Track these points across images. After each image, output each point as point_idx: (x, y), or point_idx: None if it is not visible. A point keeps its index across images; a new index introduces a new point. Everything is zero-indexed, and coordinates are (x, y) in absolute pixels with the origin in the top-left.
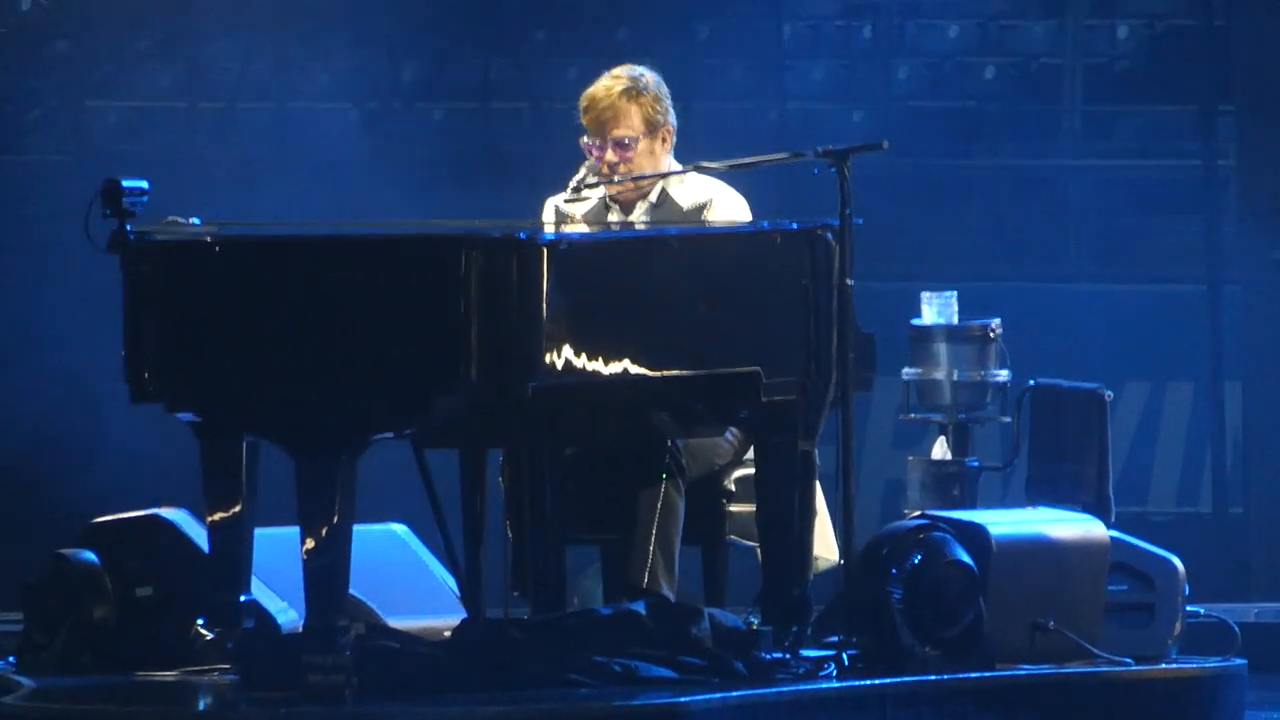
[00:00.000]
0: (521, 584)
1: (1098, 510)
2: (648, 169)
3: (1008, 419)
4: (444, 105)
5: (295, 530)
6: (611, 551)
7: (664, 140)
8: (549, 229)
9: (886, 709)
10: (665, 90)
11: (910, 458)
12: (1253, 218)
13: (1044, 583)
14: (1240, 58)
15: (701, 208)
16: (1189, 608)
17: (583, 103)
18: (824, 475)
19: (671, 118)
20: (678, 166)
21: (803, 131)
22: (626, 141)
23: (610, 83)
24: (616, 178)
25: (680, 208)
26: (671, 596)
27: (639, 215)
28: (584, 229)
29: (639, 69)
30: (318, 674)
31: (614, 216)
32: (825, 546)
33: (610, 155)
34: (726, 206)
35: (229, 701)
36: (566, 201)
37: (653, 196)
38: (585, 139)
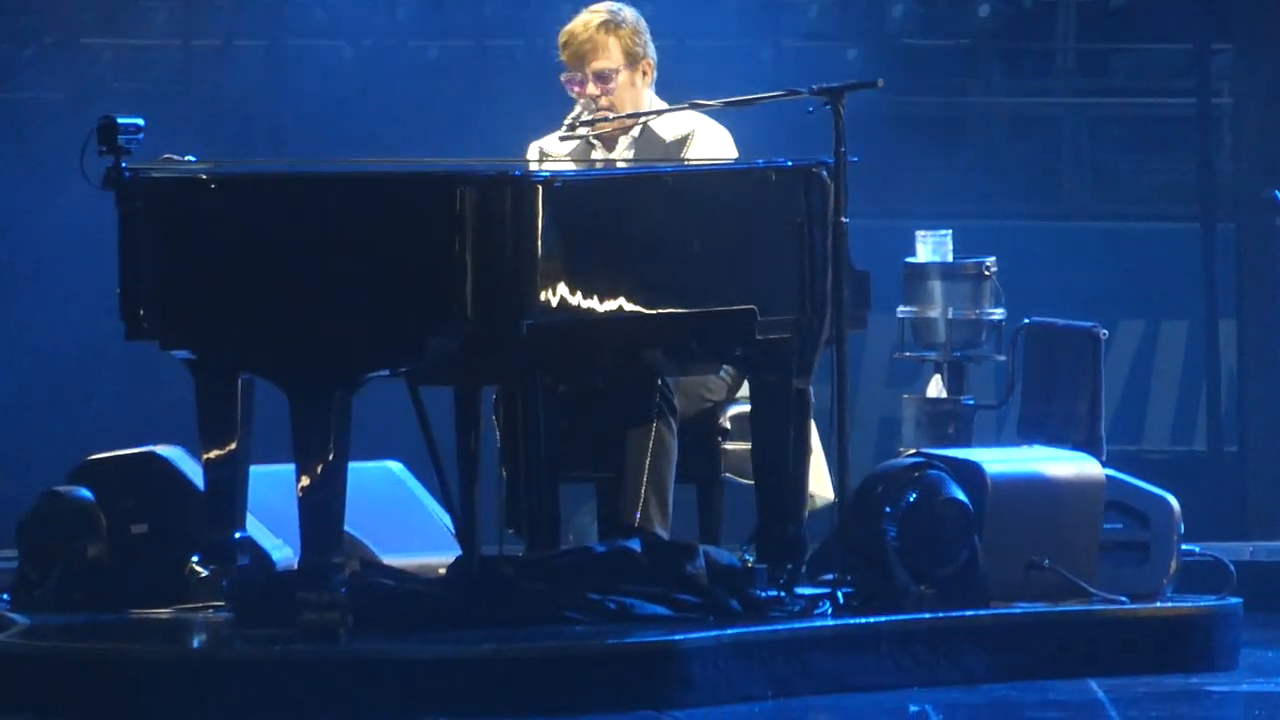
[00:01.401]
0: (515, 522)
1: (1089, 448)
2: (628, 101)
3: (1002, 357)
4: (438, 43)
5: (290, 468)
6: (606, 489)
7: (644, 73)
8: (547, 166)
9: (881, 647)
10: (644, 25)
11: (905, 396)
12: (1247, 156)
13: (1039, 521)
14: None
15: (683, 140)
16: (1184, 546)
17: (561, 39)
18: (819, 413)
19: (651, 51)
20: (659, 101)
21: (797, 70)
22: (606, 73)
23: (588, 17)
24: (597, 112)
25: (662, 140)
26: (665, 535)
27: (621, 151)
28: (577, 167)
29: (616, 4)
30: (312, 611)
31: (598, 154)
32: (820, 485)
33: (591, 88)
34: (708, 138)
35: (223, 638)
36: (561, 139)
37: (634, 131)
38: (565, 75)
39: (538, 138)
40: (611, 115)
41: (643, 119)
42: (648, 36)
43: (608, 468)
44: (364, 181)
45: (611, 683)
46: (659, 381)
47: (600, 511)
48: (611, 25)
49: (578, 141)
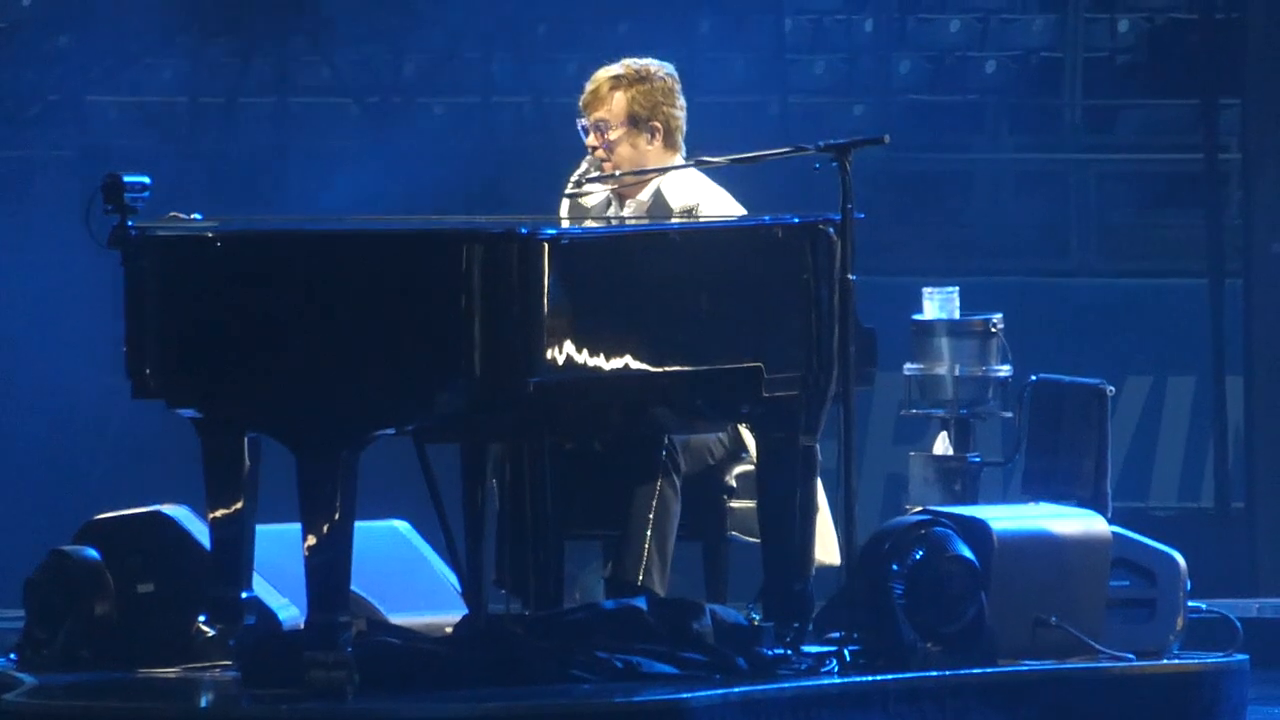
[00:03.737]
0: (507, 579)
1: (1095, 505)
2: (626, 159)
3: (1009, 414)
4: (445, 100)
5: (297, 527)
6: (612, 547)
7: (653, 136)
8: (562, 224)
9: (889, 705)
10: (669, 86)
11: (912, 453)
12: (1254, 211)
13: (1046, 578)
14: (1249, 50)
15: (688, 211)
16: (1191, 603)
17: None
18: (825, 471)
19: (665, 114)
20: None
21: (804, 126)
22: (601, 125)
23: (612, 68)
24: (600, 164)
25: (671, 209)
26: (662, 594)
27: (630, 212)
28: (585, 224)
29: (654, 64)
30: (319, 670)
31: (614, 210)
32: (826, 550)
33: (591, 138)
34: (714, 210)
35: (230, 698)
36: (567, 196)
37: (645, 195)
38: (579, 120)
39: (558, 190)
40: (618, 173)
41: (648, 177)
42: (666, 98)
43: (614, 526)
44: (370, 239)
45: None
46: (665, 440)
47: (606, 569)
48: (624, 81)
49: (601, 197)
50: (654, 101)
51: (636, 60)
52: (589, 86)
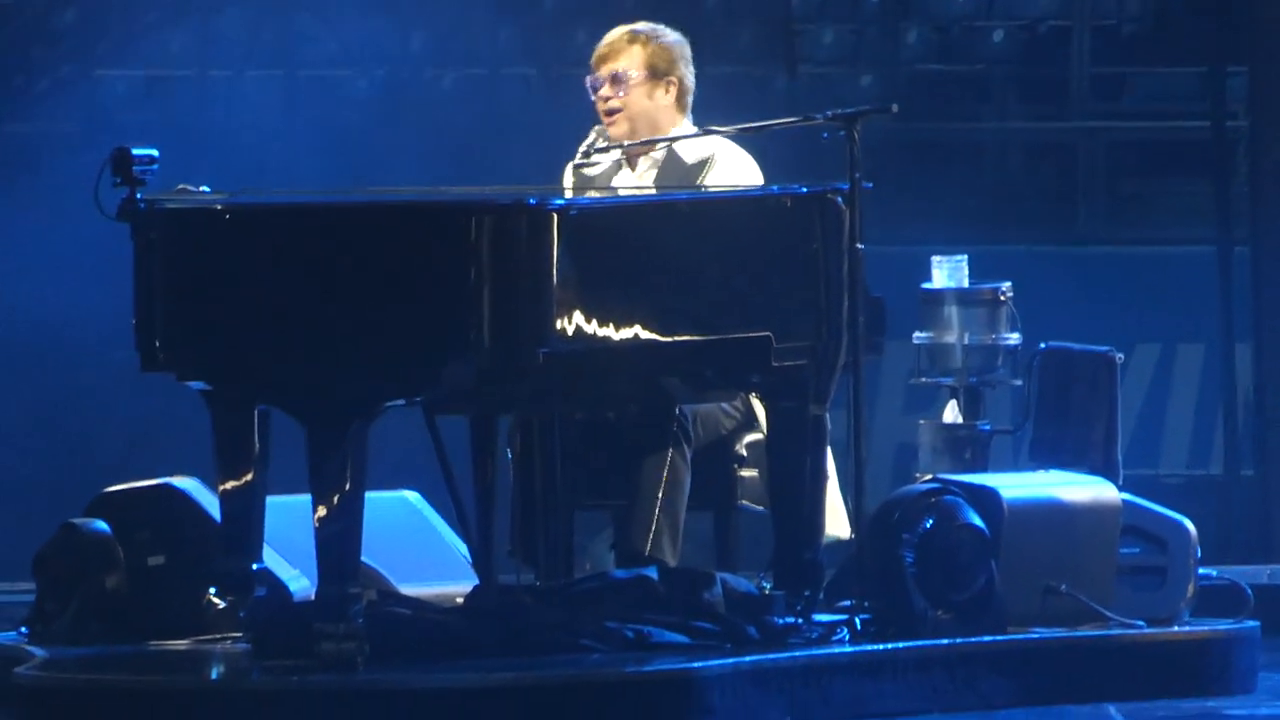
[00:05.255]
0: (521, 549)
1: (1105, 473)
2: (643, 111)
3: (1019, 382)
4: (452, 72)
5: (307, 498)
6: (623, 518)
7: (668, 90)
8: (568, 194)
9: (899, 673)
10: (683, 51)
11: (921, 421)
12: (1262, 178)
13: (1056, 546)
14: (1257, 17)
15: (704, 163)
16: (1201, 570)
17: (595, 49)
18: (835, 440)
19: (681, 71)
20: (691, 127)
21: (812, 96)
22: (621, 75)
23: (626, 27)
24: (608, 119)
25: (684, 163)
26: (673, 564)
27: (643, 171)
28: (594, 194)
29: (664, 28)
30: (330, 642)
31: (624, 177)
32: (835, 524)
33: (605, 89)
34: (729, 162)
35: (241, 670)
36: (575, 167)
37: (658, 152)
38: (588, 78)
39: (564, 162)
40: (626, 143)
41: (658, 144)
42: (681, 60)
43: (624, 496)
44: (379, 211)
45: (630, 711)
46: (676, 410)
47: (617, 540)
48: (641, 36)
49: (608, 164)
50: (671, 58)
51: (647, 23)
52: (605, 41)
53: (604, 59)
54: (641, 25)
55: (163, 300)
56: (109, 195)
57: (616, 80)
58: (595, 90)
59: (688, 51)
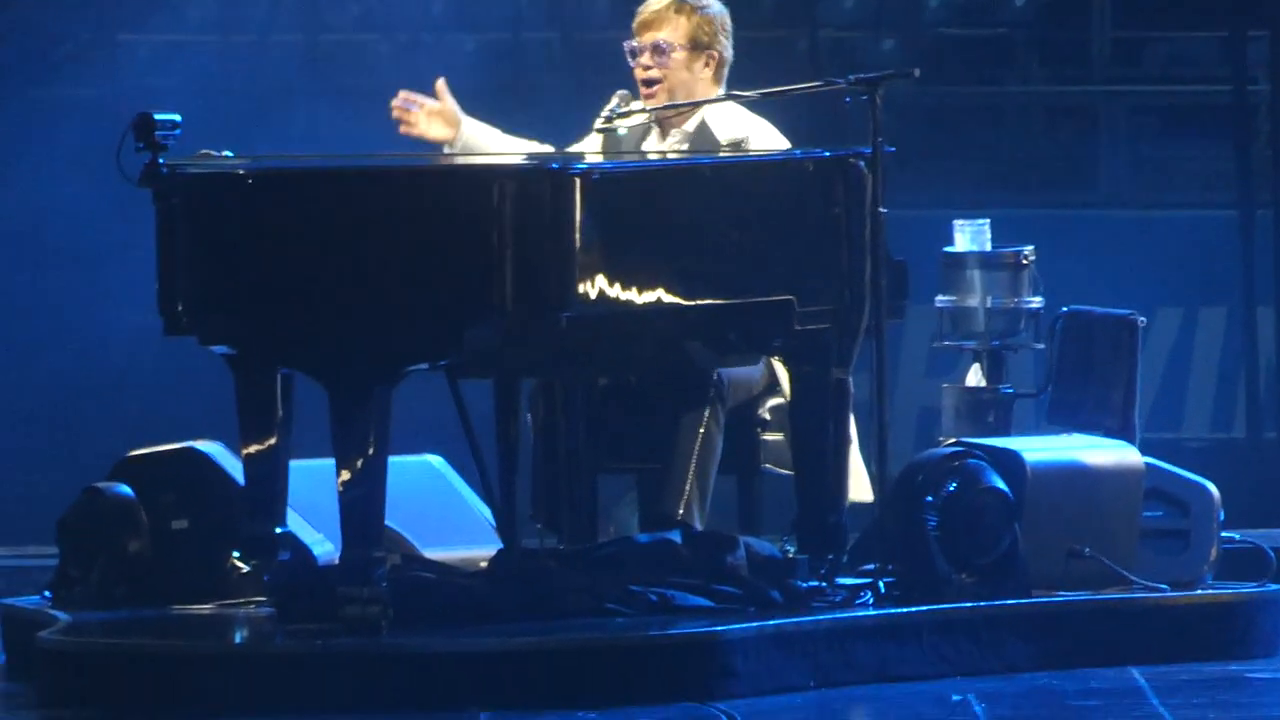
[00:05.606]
0: (544, 513)
1: (1123, 435)
2: (682, 83)
3: (1041, 346)
4: (475, 36)
5: (331, 462)
6: (647, 480)
7: (707, 64)
8: (591, 158)
9: (923, 637)
10: (725, 23)
11: (944, 385)
12: None
13: (1079, 509)
14: None
15: (737, 144)
16: (1224, 533)
17: (637, 13)
18: (857, 404)
19: (721, 46)
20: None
21: (834, 60)
22: (663, 45)
23: None
24: (647, 90)
25: (717, 140)
26: (700, 528)
27: (674, 142)
28: (616, 158)
29: None
30: (354, 606)
31: (651, 144)
32: (858, 486)
33: (645, 58)
34: (763, 145)
35: (265, 634)
36: (598, 131)
37: (690, 126)
38: (627, 44)
39: (583, 128)
40: (648, 107)
41: (683, 110)
42: (723, 32)
43: (650, 459)
44: (402, 175)
45: (653, 674)
46: (714, 374)
47: (641, 503)
48: (686, 6)
49: (639, 126)
50: (714, 30)
51: None
52: (649, 6)
53: (646, 25)
54: None
55: (186, 265)
56: (132, 160)
57: (658, 50)
58: (635, 56)
59: (729, 23)
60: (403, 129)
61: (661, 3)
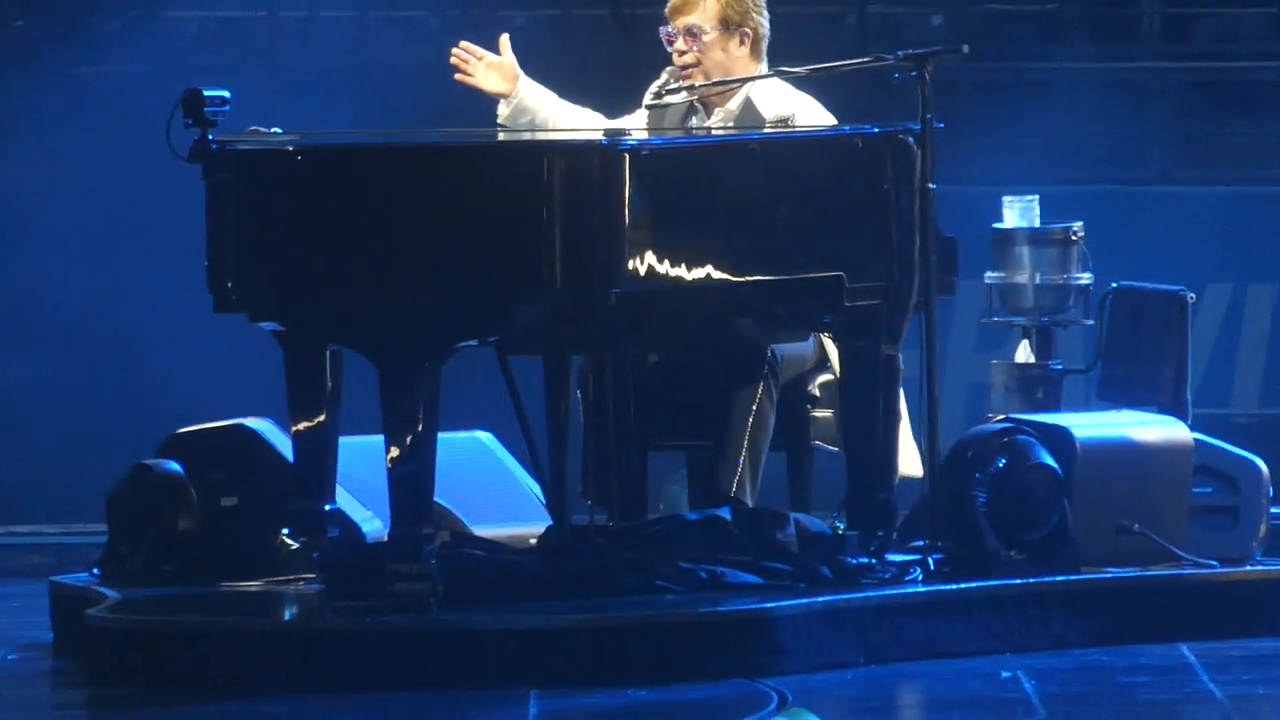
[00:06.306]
0: (595, 490)
1: (1175, 412)
2: (718, 64)
3: (1090, 322)
4: (525, 12)
5: (380, 439)
6: (697, 458)
7: (743, 41)
8: (639, 134)
9: (972, 613)
10: None
11: (993, 361)
12: None
13: (1128, 485)
14: None
15: (783, 120)
16: (1273, 509)
17: None
18: (907, 381)
19: (756, 19)
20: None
21: (882, 36)
22: (695, 29)
23: None
24: (685, 73)
25: (763, 118)
26: (751, 504)
27: (719, 120)
28: (666, 134)
29: None
30: (403, 583)
31: (698, 120)
32: (907, 463)
33: (680, 43)
34: (809, 120)
35: (315, 610)
36: (647, 107)
37: (734, 104)
38: (661, 28)
39: (633, 102)
40: (699, 84)
41: (731, 87)
42: (753, 8)
43: (701, 436)
44: (451, 152)
45: (703, 651)
46: (768, 351)
47: (691, 480)
48: None
49: (681, 105)
50: (745, 7)
51: None
52: None
53: (677, 10)
54: None
55: (235, 242)
56: (181, 137)
57: (690, 34)
58: (670, 42)
59: None
60: (459, 77)
61: None
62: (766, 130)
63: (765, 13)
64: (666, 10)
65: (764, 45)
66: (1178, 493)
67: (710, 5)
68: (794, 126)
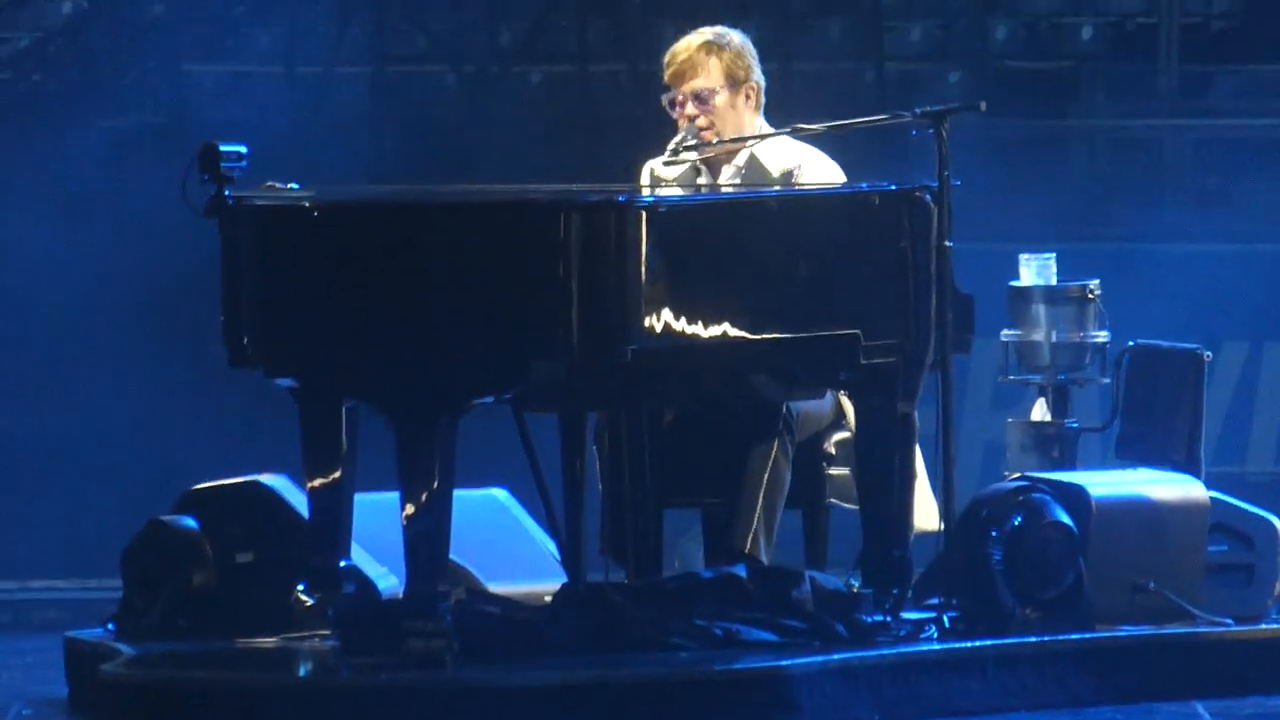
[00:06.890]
0: (612, 547)
1: (1188, 469)
2: (729, 123)
3: (1107, 380)
4: (541, 68)
5: (395, 495)
6: (712, 514)
7: (748, 97)
8: (646, 192)
9: (987, 671)
10: (751, 50)
11: (1009, 419)
12: None
13: (1144, 543)
14: None
15: (789, 173)
16: None
17: (665, 59)
18: (923, 438)
19: (756, 75)
20: (768, 128)
21: (900, 92)
22: (704, 93)
23: (692, 38)
24: (700, 135)
25: (769, 172)
26: (766, 562)
27: (726, 179)
28: (682, 191)
29: (723, 28)
30: (418, 640)
31: (704, 180)
32: (925, 516)
33: (690, 108)
34: (815, 172)
35: (329, 667)
36: (665, 164)
37: (739, 160)
38: (665, 95)
39: (648, 158)
40: (715, 140)
41: (746, 144)
42: (753, 61)
43: (716, 493)
44: (468, 208)
45: (719, 709)
46: (784, 408)
47: (707, 537)
48: (714, 46)
49: (685, 167)
50: (746, 64)
51: (707, 28)
52: (676, 58)
53: (681, 76)
54: (708, 32)
55: (250, 296)
56: (197, 191)
57: (700, 99)
58: (676, 107)
59: (752, 48)
60: None
61: (688, 48)
62: (782, 187)
63: (758, 62)
64: (668, 76)
65: (762, 98)
66: (1193, 551)
67: (714, 66)
68: (800, 179)
